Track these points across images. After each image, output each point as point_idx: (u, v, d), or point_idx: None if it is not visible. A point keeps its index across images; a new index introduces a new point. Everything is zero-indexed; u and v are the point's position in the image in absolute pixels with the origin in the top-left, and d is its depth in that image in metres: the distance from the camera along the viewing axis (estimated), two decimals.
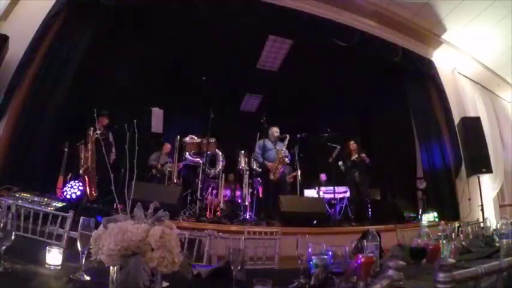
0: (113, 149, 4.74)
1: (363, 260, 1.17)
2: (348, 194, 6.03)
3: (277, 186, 4.85)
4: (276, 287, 1.07)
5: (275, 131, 5.15)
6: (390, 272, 0.75)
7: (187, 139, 5.85)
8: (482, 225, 3.03)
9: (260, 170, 5.27)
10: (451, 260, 0.80)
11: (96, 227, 0.91)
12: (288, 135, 5.13)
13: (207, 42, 5.38)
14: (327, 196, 5.89)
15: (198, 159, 5.66)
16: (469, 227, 2.67)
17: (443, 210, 4.98)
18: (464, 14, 4.92)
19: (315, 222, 4.16)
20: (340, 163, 5.83)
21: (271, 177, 4.83)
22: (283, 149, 5.05)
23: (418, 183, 5.90)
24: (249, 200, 5.45)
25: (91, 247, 0.88)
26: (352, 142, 5.69)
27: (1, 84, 3.38)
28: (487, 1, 4.61)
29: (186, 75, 6.10)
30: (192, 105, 7.19)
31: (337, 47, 4.94)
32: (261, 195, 5.73)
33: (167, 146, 5.83)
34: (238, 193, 5.92)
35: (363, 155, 5.55)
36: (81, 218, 1.22)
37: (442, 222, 2.31)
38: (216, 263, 1.95)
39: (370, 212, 5.29)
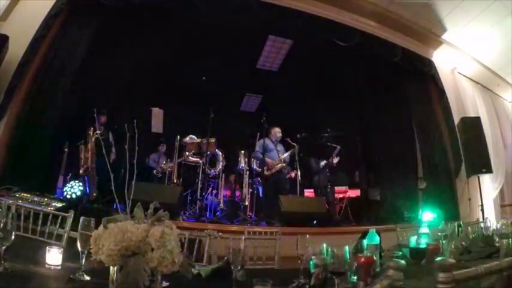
0: (113, 149, 4.74)
1: (362, 260, 1.18)
2: (348, 194, 6.03)
3: (277, 185, 4.87)
4: (276, 287, 1.07)
5: (277, 131, 5.18)
6: (390, 272, 0.75)
7: (187, 139, 5.85)
8: (482, 225, 3.03)
9: (259, 169, 5.27)
10: (451, 260, 0.80)
11: (96, 227, 0.91)
12: (296, 146, 5.15)
13: (207, 42, 5.38)
14: None
15: (198, 159, 5.66)
16: (469, 227, 2.67)
17: (443, 210, 4.97)
18: (464, 14, 4.92)
19: (315, 222, 4.17)
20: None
21: (266, 172, 4.84)
22: (285, 154, 5.10)
23: (418, 183, 5.90)
24: (249, 200, 5.45)
25: (91, 247, 0.88)
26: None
27: (1, 84, 3.38)
28: (487, 1, 4.61)
29: (186, 75, 6.10)
30: (192, 105, 7.19)
31: (337, 47, 4.94)
32: (261, 195, 5.74)
33: (164, 146, 5.86)
34: (238, 193, 5.92)
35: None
36: (81, 218, 1.22)
37: (442, 222, 2.31)
38: (216, 263, 1.95)
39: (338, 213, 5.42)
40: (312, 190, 6.03)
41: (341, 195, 6.05)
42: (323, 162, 5.74)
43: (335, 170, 5.95)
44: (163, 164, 5.61)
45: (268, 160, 4.93)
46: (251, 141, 5.39)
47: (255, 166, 5.68)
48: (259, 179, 5.85)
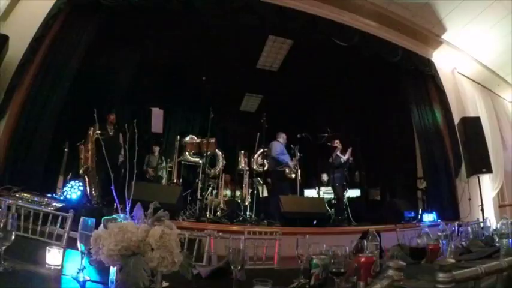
0: (122, 151, 4.71)
1: (363, 260, 1.17)
2: (349, 194, 6.02)
3: (288, 185, 5.22)
4: (276, 287, 1.07)
5: (285, 137, 5.39)
6: (390, 272, 0.75)
7: (187, 139, 5.86)
8: (482, 225, 3.03)
9: (278, 169, 5.34)
10: (451, 260, 0.80)
11: (96, 227, 0.91)
12: (297, 154, 5.41)
13: (207, 42, 5.39)
14: (327, 196, 5.90)
15: (198, 159, 5.67)
16: (469, 227, 2.67)
17: (443, 210, 4.97)
18: (464, 14, 4.92)
19: (315, 222, 4.17)
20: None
21: (288, 173, 5.24)
22: (296, 158, 5.38)
23: (418, 183, 5.90)
24: (249, 200, 5.47)
25: (91, 247, 0.88)
26: (337, 141, 5.70)
27: (1, 84, 3.38)
28: (487, 1, 4.61)
29: (186, 75, 6.10)
30: (192, 105, 7.19)
31: (337, 47, 4.94)
32: (261, 195, 5.76)
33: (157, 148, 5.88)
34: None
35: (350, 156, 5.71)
36: (81, 218, 1.22)
37: (442, 222, 2.31)
38: (215, 263, 1.95)
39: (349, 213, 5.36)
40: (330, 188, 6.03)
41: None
42: (345, 157, 5.70)
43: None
44: (152, 169, 5.57)
45: (290, 163, 5.24)
46: (251, 141, 5.40)
47: (255, 166, 5.70)
48: (259, 178, 5.87)
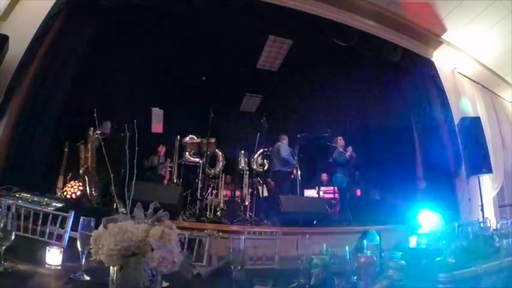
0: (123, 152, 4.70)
1: (362, 260, 1.17)
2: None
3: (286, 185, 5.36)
4: (276, 287, 1.07)
5: (287, 139, 5.52)
6: (390, 272, 0.75)
7: (187, 139, 5.85)
8: (482, 225, 3.03)
9: (285, 169, 5.46)
10: (451, 260, 0.80)
11: (96, 227, 0.91)
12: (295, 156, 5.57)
13: (206, 42, 5.38)
14: (327, 196, 5.90)
15: (198, 159, 5.67)
16: (469, 227, 2.67)
17: (443, 210, 4.97)
18: (464, 14, 4.91)
19: (315, 222, 4.17)
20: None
21: (295, 174, 5.48)
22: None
23: (418, 183, 5.90)
24: (249, 200, 5.47)
25: (91, 247, 0.88)
26: (340, 137, 5.70)
27: (1, 84, 3.38)
28: (487, 1, 4.60)
29: (186, 75, 6.10)
30: (192, 105, 7.19)
31: (337, 47, 4.94)
32: (261, 195, 5.77)
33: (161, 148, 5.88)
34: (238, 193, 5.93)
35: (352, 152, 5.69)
36: (81, 218, 1.22)
37: (442, 222, 2.31)
38: (216, 263, 1.95)
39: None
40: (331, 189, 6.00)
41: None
42: (347, 154, 5.65)
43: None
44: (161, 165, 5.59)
45: (295, 164, 5.41)
46: (251, 141, 5.40)
47: (255, 166, 5.71)
48: (259, 178, 5.87)
